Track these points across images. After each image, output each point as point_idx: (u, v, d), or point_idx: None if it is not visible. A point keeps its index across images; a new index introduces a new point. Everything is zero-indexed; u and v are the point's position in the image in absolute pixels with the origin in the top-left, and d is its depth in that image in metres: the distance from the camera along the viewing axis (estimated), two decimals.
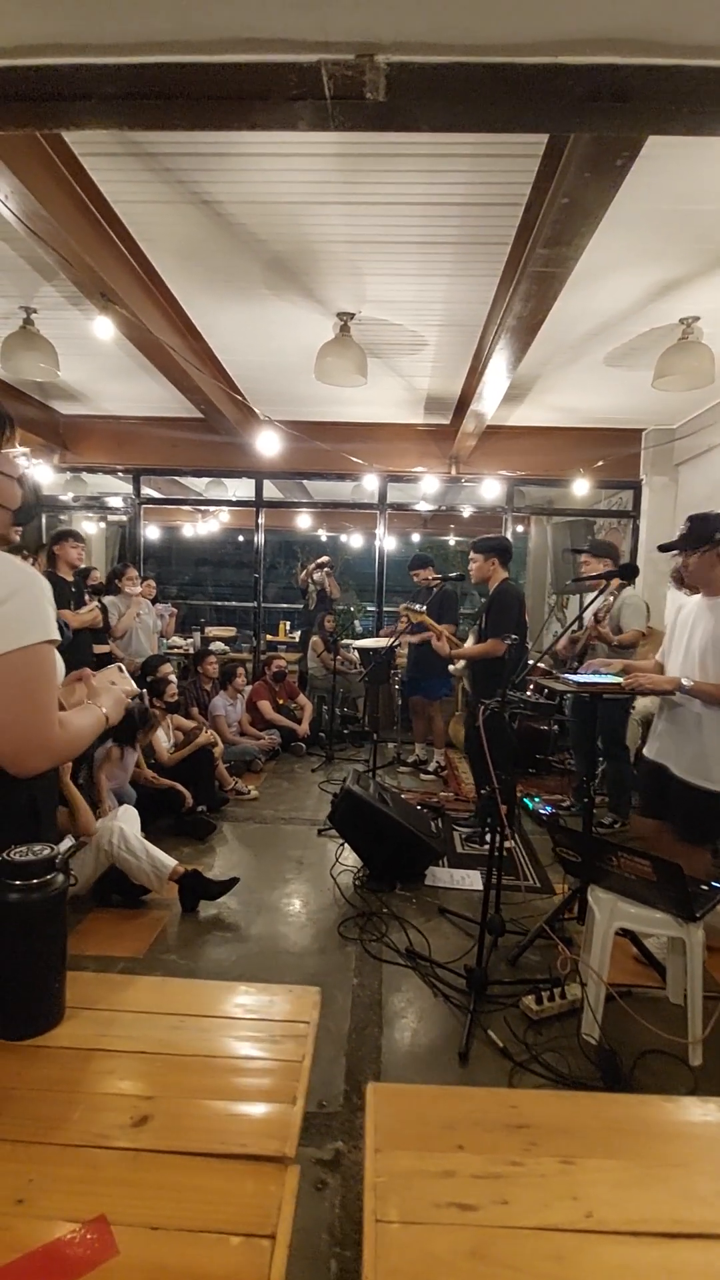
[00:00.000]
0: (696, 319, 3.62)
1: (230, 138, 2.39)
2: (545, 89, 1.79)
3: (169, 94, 1.86)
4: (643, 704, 4.74)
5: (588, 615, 3.96)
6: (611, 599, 4.12)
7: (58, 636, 1.08)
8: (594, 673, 2.78)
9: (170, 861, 3.00)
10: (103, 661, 4.55)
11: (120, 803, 3.60)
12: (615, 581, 4.06)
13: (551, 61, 1.75)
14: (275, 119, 1.91)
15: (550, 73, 1.76)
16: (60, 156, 2.58)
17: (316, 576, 6.97)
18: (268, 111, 1.89)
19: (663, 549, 2.54)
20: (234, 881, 3.09)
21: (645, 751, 2.74)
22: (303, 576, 7.24)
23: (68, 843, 2.85)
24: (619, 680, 2.60)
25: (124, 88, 1.85)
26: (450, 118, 1.90)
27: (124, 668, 1.46)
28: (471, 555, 3.97)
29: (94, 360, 4.75)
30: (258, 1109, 0.88)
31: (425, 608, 4.72)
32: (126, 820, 3.03)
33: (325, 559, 7.16)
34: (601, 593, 3.12)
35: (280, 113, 1.88)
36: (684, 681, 2.42)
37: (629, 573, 2.92)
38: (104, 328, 3.44)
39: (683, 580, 2.57)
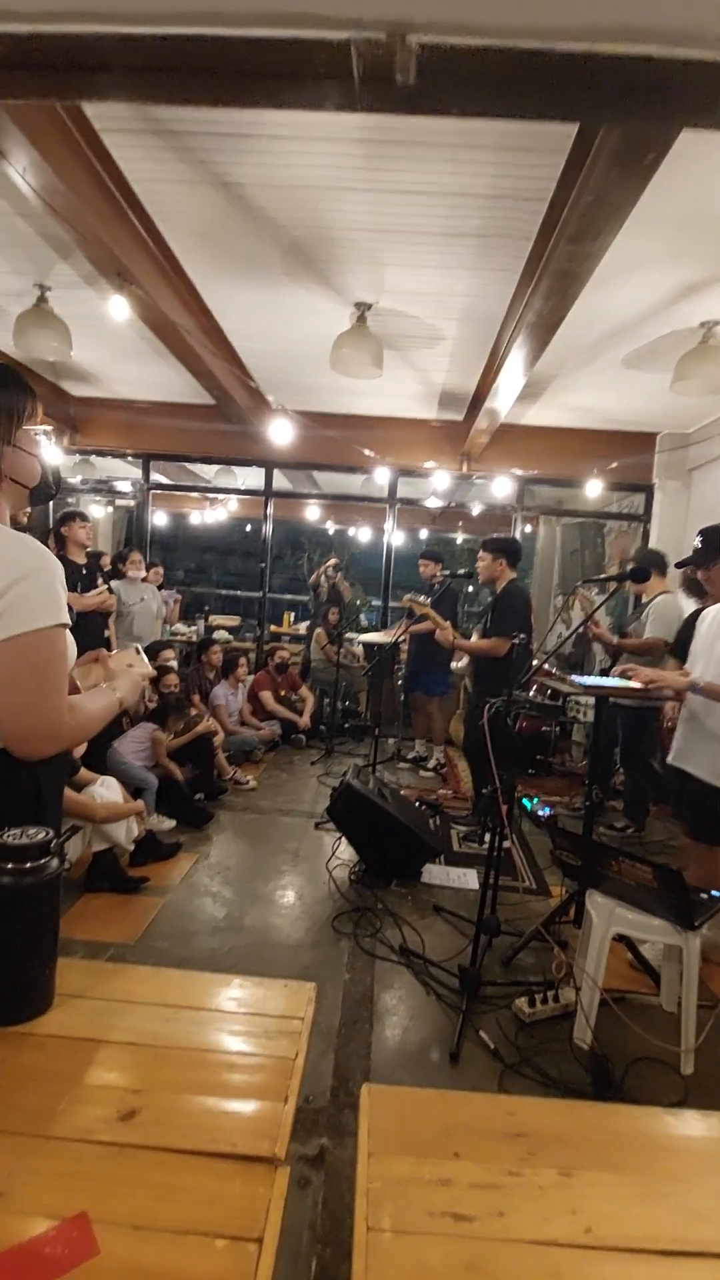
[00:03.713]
0: (718, 323, 3.58)
1: (253, 118, 2.35)
2: (578, 77, 1.75)
3: (193, 68, 1.83)
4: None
5: (599, 614, 3.93)
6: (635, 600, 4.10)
7: (69, 620, 1.07)
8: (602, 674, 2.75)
9: (139, 805, 3.30)
10: (107, 646, 4.52)
11: (140, 787, 3.68)
12: (655, 585, 4.02)
13: (586, 49, 1.71)
14: (301, 98, 1.88)
15: (584, 61, 1.72)
16: (80, 131, 2.54)
17: (327, 576, 7.01)
18: (294, 90, 1.85)
19: (679, 565, 2.54)
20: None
21: (669, 757, 2.73)
22: (314, 577, 7.29)
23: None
24: (628, 683, 2.58)
25: (147, 60, 1.81)
26: (480, 103, 1.86)
27: (141, 649, 1.45)
28: (480, 554, 3.97)
29: (107, 341, 4.71)
30: (248, 1106, 0.86)
31: (430, 600, 4.70)
32: (106, 787, 3.11)
33: (335, 560, 7.18)
34: (611, 595, 3.09)
35: (307, 92, 1.85)
36: (698, 682, 2.42)
37: (639, 575, 2.89)
38: (119, 307, 3.40)
39: (698, 590, 2.57)
